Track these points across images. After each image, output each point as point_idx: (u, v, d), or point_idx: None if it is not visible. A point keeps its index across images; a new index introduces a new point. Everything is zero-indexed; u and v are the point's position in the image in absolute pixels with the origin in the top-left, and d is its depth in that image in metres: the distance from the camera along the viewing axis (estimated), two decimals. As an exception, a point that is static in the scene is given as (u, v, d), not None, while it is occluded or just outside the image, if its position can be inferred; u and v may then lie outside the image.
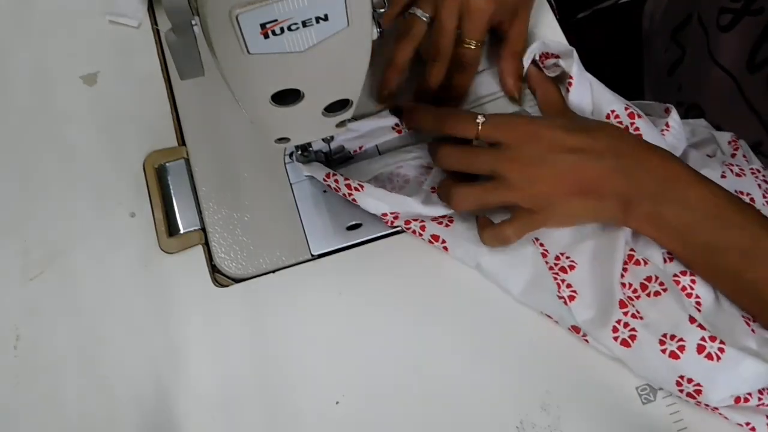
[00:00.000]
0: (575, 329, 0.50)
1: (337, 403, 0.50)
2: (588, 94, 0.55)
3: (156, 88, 0.60)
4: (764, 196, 0.54)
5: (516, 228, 0.50)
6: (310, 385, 0.51)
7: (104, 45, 0.62)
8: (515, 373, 0.51)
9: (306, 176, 0.56)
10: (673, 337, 0.47)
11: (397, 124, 0.58)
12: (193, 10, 0.38)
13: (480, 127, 0.51)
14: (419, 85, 0.58)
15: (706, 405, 0.48)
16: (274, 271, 0.54)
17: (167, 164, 0.57)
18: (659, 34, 0.77)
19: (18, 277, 0.54)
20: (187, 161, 0.57)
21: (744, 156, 0.57)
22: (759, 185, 0.55)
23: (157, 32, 0.63)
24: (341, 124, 0.49)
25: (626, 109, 0.54)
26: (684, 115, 0.70)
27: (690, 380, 0.47)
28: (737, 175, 0.54)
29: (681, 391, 0.48)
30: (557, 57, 0.57)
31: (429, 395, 0.50)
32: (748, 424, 0.48)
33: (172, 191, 0.57)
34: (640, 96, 0.80)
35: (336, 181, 0.53)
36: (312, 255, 0.55)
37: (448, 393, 0.50)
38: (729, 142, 0.58)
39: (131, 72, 0.61)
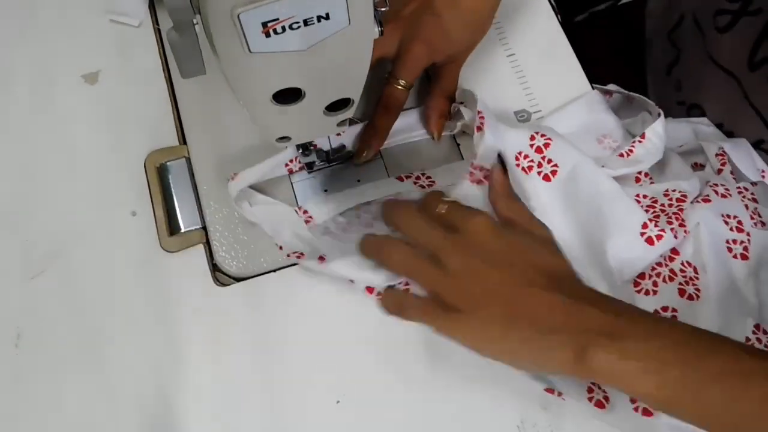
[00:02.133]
0: (549, 390, 0.49)
1: (338, 402, 0.50)
2: (498, 137, 0.52)
3: (157, 86, 0.60)
4: (752, 218, 0.52)
5: (423, 314, 0.46)
6: (311, 385, 0.51)
7: (105, 44, 0.62)
8: (516, 373, 0.51)
9: (308, 176, 0.57)
10: None
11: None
12: (195, 8, 0.38)
13: (446, 207, 0.49)
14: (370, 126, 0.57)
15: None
16: (274, 270, 0.54)
17: (168, 163, 0.57)
18: (658, 34, 0.77)
19: (19, 276, 0.54)
20: (188, 160, 0.57)
21: (731, 172, 0.55)
22: (746, 206, 0.52)
23: (158, 31, 0.63)
24: (342, 123, 0.49)
25: (532, 139, 0.51)
26: (686, 115, 0.70)
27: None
28: (723, 196, 0.52)
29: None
30: (460, 103, 0.56)
31: (429, 395, 0.50)
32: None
33: (173, 190, 0.57)
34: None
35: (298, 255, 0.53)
36: (313, 254, 0.55)
37: (449, 392, 0.50)
38: (717, 155, 0.56)
39: (132, 71, 0.61)
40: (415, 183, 0.56)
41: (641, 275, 0.50)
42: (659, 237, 0.49)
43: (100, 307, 0.53)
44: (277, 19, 0.36)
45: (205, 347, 0.52)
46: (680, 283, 0.50)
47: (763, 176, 0.56)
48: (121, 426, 0.50)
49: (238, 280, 0.54)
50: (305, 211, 0.55)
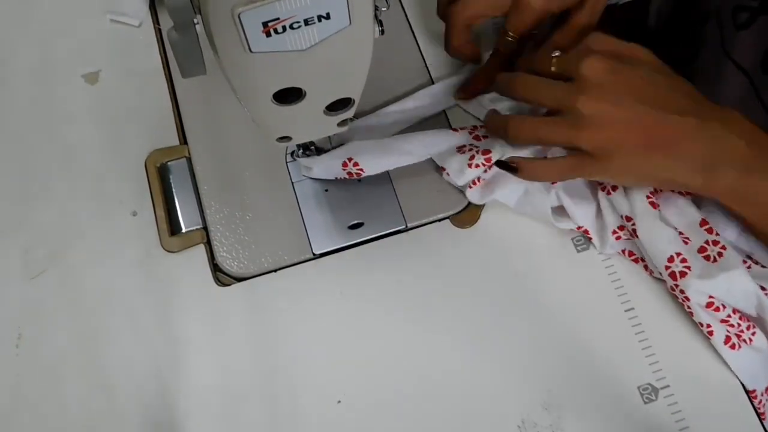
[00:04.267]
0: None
1: (339, 402, 0.50)
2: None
3: (158, 86, 0.60)
4: None
5: (565, 168, 0.47)
6: (312, 384, 0.51)
7: (106, 44, 0.62)
8: (517, 373, 0.51)
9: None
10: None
11: None
12: (195, 8, 0.38)
13: (555, 60, 0.48)
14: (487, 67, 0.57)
15: (681, 291, 0.49)
16: (275, 270, 0.54)
17: (169, 163, 0.57)
18: (667, 31, 0.76)
19: (20, 276, 0.54)
20: (189, 160, 0.57)
21: None
22: None
23: (158, 31, 0.63)
24: (343, 123, 0.49)
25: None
26: None
27: (684, 260, 0.48)
28: None
29: (667, 268, 0.49)
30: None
31: (430, 394, 0.50)
32: (708, 326, 0.49)
33: (173, 190, 0.57)
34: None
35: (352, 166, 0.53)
36: (313, 254, 0.55)
37: (450, 392, 0.50)
38: None
39: (133, 70, 0.61)
40: (470, 134, 0.55)
41: None
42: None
43: (101, 307, 0.53)
44: (278, 18, 0.36)
45: (206, 347, 0.52)
46: None
47: None
48: (121, 426, 0.50)
49: (239, 280, 0.54)
50: (356, 164, 0.53)
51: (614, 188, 0.51)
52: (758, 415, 0.49)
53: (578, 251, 0.54)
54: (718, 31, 0.65)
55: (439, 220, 0.56)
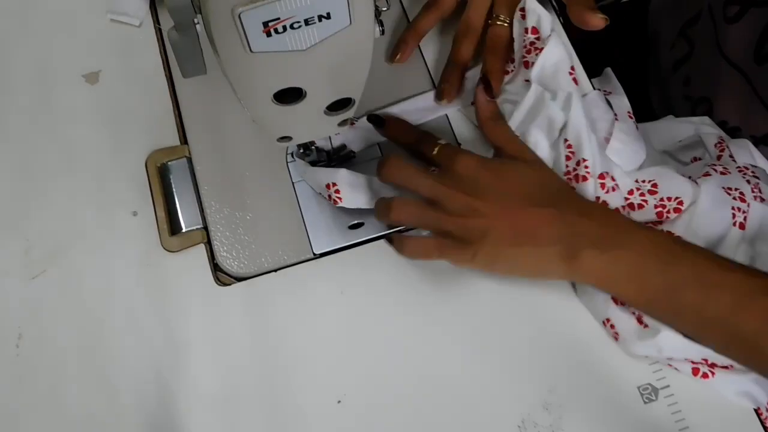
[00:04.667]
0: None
1: (339, 401, 0.50)
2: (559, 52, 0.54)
3: (158, 86, 0.60)
4: (753, 191, 0.53)
5: (431, 247, 0.50)
6: (312, 384, 0.51)
7: (106, 43, 0.62)
8: (517, 372, 0.51)
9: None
10: None
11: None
12: (196, 8, 0.38)
13: (437, 149, 0.52)
14: (448, 62, 0.58)
15: None
16: (276, 270, 0.54)
17: (169, 163, 0.57)
18: (666, 30, 0.76)
19: (20, 276, 0.54)
20: (189, 160, 0.57)
21: (731, 156, 0.56)
22: (748, 180, 0.53)
23: (159, 31, 0.63)
24: (343, 123, 0.49)
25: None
26: (692, 111, 0.69)
27: (612, 326, 0.50)
28: (722, 173, 0.53)
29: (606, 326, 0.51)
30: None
31: (430, 394, 0.50)
32: (669, 365, 0.50)
33: (174, 190, 0.57)
34: (645, 93, 0.80)
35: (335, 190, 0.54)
36: (314, 254, 0.55)
37: (450, 392, 0.50)
38: (715, 144, 0.57)
39: (133, 70, 0.61)
40: None
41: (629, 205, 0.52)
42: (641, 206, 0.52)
43: (101, 306, 0.53)
44: (278, 18, 0.36)
45: (206, 347, 0.52)
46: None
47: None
48: (121, 425, 0.50)
49: (239, 279, 0.54)
50: (337, 191, 0.54)
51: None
52: (759, 416, 0.50)
53: (578, 251, 0.54)
54: (711, 28, 0.65)
55: (440, 220, 0.55)
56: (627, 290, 0.47)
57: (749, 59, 0.61)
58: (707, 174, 0.53)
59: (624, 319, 0.50)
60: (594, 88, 0.58)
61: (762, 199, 0.52)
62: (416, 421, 0.50)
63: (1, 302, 0.53)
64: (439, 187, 0.49)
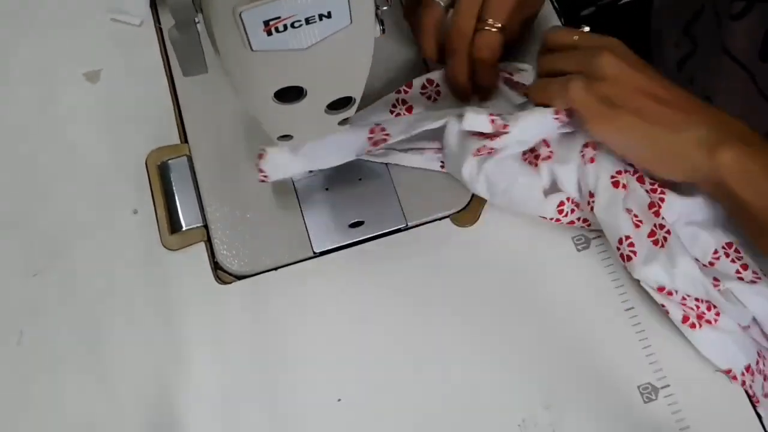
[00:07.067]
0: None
1: (339, 400, 0.50)
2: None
3: (158, 85, 0.60)
4: None
5: (576, 88, 0.49)
6: (312, 383, 0.51)
7: (107, 42, 0.62)
8: (517, 372, 0.51)
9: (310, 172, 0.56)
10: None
11: None
12: (197, 7, 0.38)
13: (579, 35, 0.52)
14: (449, 85, 0.56)
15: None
16: (276, 269, 0.54)
17: (169, 161, 0.57)
18: (669, 29, 0.76)
19: (20, 274, 0.54)
20: (190, 158, 0.57)
21: None
22: None
23: (159, 29, 0.63)
24: (344, 121, 0.49)
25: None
26: None
27: (632, 244, 0.50)
28: None
29: (618, 249, 0.51)
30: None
31: (431, 393, 0.50)
32: (663, 305, 0.50)
33: (174, 188, 0.57)
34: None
35: None
36: (314, 252, 0.55)
37: (450, 391, 0.50)
38: None
39: (134, 69, 0.61)
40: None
41: None
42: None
43: (101, 305, 0.53)
44: (279, 17, 0.36)
45: (206, 345, 0.52)
46: None
47: None
48: (121, 425, 0.50)
49: (240, 278, 0.54)
50: (383, 129, 0.52)
51: (591, 160, 0.51)
52: (758, 416, 0.50)
53: (578, 250, 0.54)
54: (715, 25, 0.65)
55: (440, 219, 0.56)
56: (754, 194, 0.46)
57: (754, 56, 0.60)
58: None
59: (642, 238, 0.50)
60: None
61: None
62: (416, 420, 0.50)
63: (2, 300, 0.53)
64: (588, 58, 0.49)
